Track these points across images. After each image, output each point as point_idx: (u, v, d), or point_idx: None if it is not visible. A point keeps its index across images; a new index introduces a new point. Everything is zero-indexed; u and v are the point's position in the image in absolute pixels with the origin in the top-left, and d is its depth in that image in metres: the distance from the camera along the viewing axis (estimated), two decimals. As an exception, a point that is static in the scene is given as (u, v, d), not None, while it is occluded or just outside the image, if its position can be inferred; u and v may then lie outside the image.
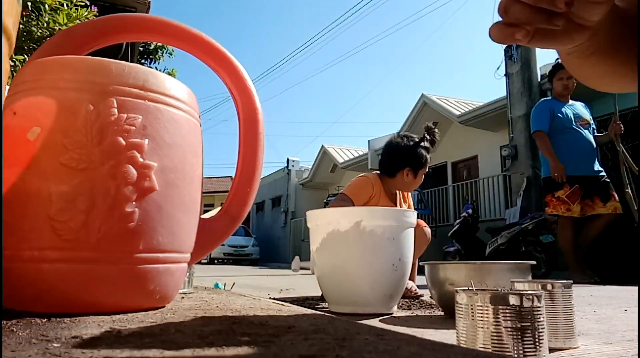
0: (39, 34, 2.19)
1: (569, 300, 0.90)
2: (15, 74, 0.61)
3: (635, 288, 2.94)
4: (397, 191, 2.18)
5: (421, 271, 1.30)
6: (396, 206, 2.16)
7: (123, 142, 0.57)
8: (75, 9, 2.28)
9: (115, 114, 0.58)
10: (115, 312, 0.64)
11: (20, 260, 0.56)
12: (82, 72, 0.59)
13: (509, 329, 0.63)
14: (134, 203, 0.58)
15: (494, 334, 0.63)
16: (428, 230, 2.08)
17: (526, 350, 0.62)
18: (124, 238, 0.58)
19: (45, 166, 0.56)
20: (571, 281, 0.93)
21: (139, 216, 0.58)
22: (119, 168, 0.57)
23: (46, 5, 2.16)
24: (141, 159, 0.59)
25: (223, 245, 15.86)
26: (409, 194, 2.27)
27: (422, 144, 2.14)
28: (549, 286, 0.89)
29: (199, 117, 0.81)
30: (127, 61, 4.12)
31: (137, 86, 0.60)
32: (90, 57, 0.65)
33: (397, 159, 2.10)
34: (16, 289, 0.58)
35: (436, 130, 2.18)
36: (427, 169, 2.14)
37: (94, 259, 0.57)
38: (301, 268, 7.29)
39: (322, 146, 14.48)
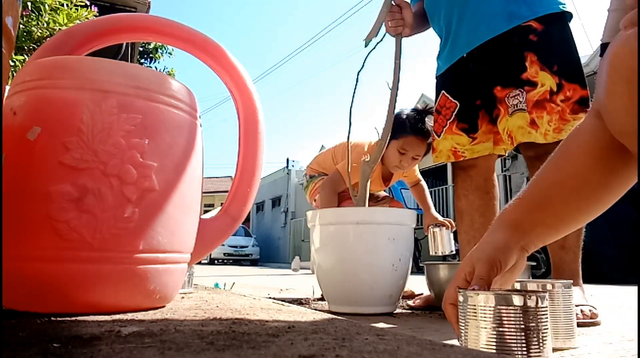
0: (39, 34, 2.19)
1: (569, 300, 0.90)
2: (15, 74, 0.61)
3: (635, 288, 2.94)
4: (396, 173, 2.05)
5: (421, 271, 1.30)
6: (385, 187, 2.10)
7: (123, 142, 0.57)
8: (75, 9, 2.28)
9: (116, 114, 0.58)
10: (115, 312, 0.64)
11: (20, 259, 0.56)
12: (83, 72, 0.59)
13: (513, 330, 0.62)
14: (134, 203, 0.58)
15: (497, 335, 0.62)
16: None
17: (530, 351, 0.62)
18: (124, 238, 0.57)
19: (45, 165, 0.56)
20: (571, 281, 0.92)
21: (139, 216, 0.58)
22: (119, 167, 0.56)
23: (46, 5, 2.16)
24: (141, 159, 0.59)
25: (223, 245, 15.85)
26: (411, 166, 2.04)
27: (413, 113, 1.94)
28: (549, 286, 0.89)
29: (199, 117, 0.81)
30: (127, 60, 4.11)
31: (138, 86, 0.60)
32: (90, 57, 0.65)
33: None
34: (16, 289, 0.58)
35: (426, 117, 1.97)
36: (414, 148, 1.91)
37: (94, 259, 0.57)
38: (301, 268, 7.29)
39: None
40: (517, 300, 0.63)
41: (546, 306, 0.65)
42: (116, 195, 0.56)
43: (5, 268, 0.55)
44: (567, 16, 1.52)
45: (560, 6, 1.52)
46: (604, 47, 0.59)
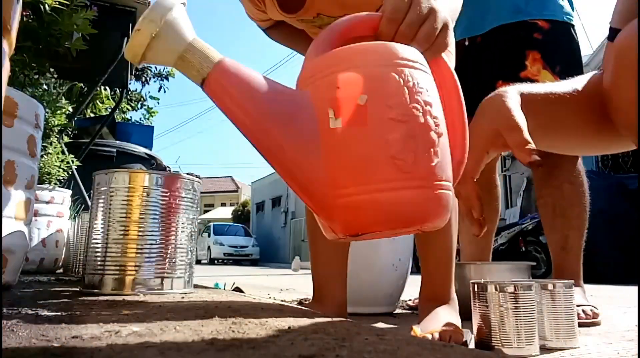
0: (39, 34, 2.19)
1: (569, 300, 0.90)
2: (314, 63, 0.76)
3: (635, 288, 2.94)
4: None
5: (419, 271, 1.30)
6: None
7: (421, 100, 0.74)
8: (76, 9, 2.27)
9: (411, 81, 0.74)
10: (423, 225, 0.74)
11: (372, 191, 0.71)
12: (381, 53, 0.75)
13: (507, 317, 0.68)
14: (435, 144, 0.74)
15: (493, 323, 0.68)
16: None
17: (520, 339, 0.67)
18: (434, 170, 0.74)
19: (379, 121, 0.71)
20: (572, 281, 0.92)
21: (438, 154, 0.74)
22: (424, 118, 0.73)
23: (46, 6, 2.15)
24: (434, 112, 0.75)
25: (223, 245, 15.87)
26: None
27: None
28: (550, 286, 0.89)
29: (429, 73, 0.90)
30: (127, 61, 4.10)
31: (412, 59, 0.77)
32: (374, 42, 0.80)
33: None
34: (370, 214, 0.71)
35: None
36: None
37: (421, 186, 0.73)
38: (301, 268, 7.29)
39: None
40: (510, 288, 0.71)
41: (533, 298, 0.70)
42: (426, 139, 0.73)
43: (361, 199, 0.71)
44: (573, 27, 1.53)
45: (566, 17, 1.52)
46: (612, 31, 0.59)
